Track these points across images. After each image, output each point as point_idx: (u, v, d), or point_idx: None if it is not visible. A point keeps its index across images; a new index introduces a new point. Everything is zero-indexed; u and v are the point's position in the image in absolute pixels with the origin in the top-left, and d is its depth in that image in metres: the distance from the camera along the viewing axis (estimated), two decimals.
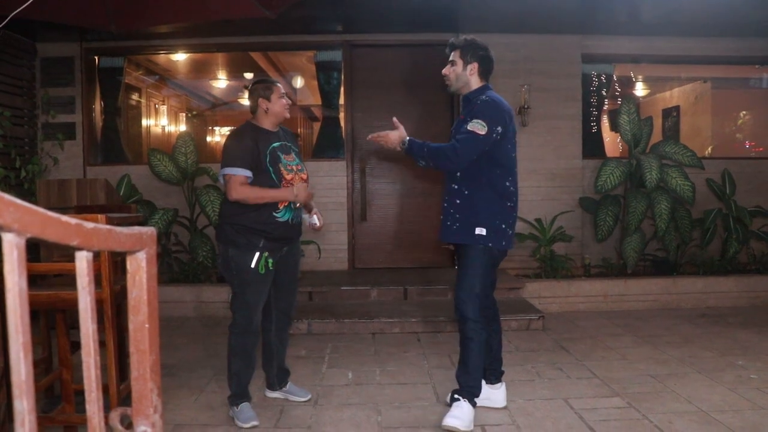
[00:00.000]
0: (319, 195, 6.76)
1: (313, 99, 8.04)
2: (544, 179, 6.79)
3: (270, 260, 3.35)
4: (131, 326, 0.88)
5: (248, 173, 3.29)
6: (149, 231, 0.87)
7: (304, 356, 4.60)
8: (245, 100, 9.53)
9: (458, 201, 3.30)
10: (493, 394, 3.55)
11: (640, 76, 9.04)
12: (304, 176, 3.49)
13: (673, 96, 9.81)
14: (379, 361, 4.49)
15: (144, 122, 8.76)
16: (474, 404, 3.27)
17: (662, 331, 5.23)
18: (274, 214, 3.34)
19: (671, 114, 9.68)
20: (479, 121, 3.14)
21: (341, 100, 7.01)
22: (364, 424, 3.34)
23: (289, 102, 3.49)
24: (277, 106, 3.41)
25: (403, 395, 3.76)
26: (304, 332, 5.23)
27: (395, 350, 4.75)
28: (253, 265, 3.31)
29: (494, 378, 3.56)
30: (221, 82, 9.08)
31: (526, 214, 6.43)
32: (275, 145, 3.38)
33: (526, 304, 5.68)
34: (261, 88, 3.43)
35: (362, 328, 5.26)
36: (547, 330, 5.27)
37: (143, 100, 8.76)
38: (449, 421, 3.19)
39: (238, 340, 3.40)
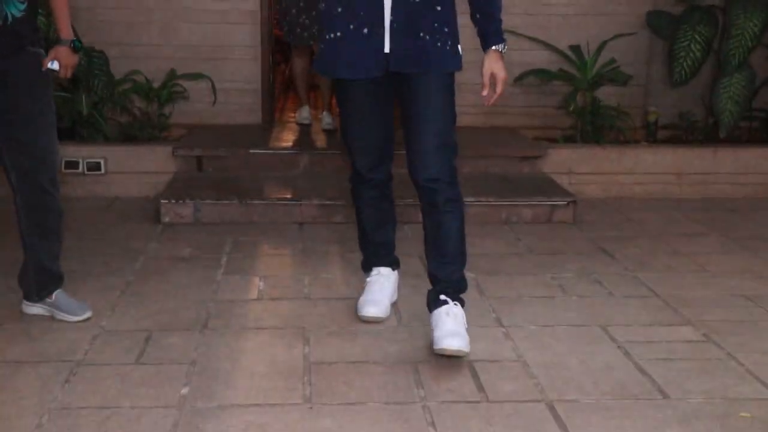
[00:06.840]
0: None
1: None
2: None
3: None
4: None
5: None
6: None
7: (187, 257, 4.60)
8: None
9: None
10: None
11: None
12: None
13: None
14: (308, 264, 4.53)
15: None
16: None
17: None
18: None
19: None
20: None
21: None
22: (282, 357, 3.34)
23: None
24: None
25: (344, 316, 3.79)
26: (189, 221, 5.21)
27: (335, 249, 4.80)
28: None
29: None
30: None
31: (554, 38, 6.35)
32: None
33: (549, 183, 5.75)
34: None
35: (283, 214, 5.29)
36: (580, 223, 5.34)
37: None
38: (452, 343, 3.18)
39: None
